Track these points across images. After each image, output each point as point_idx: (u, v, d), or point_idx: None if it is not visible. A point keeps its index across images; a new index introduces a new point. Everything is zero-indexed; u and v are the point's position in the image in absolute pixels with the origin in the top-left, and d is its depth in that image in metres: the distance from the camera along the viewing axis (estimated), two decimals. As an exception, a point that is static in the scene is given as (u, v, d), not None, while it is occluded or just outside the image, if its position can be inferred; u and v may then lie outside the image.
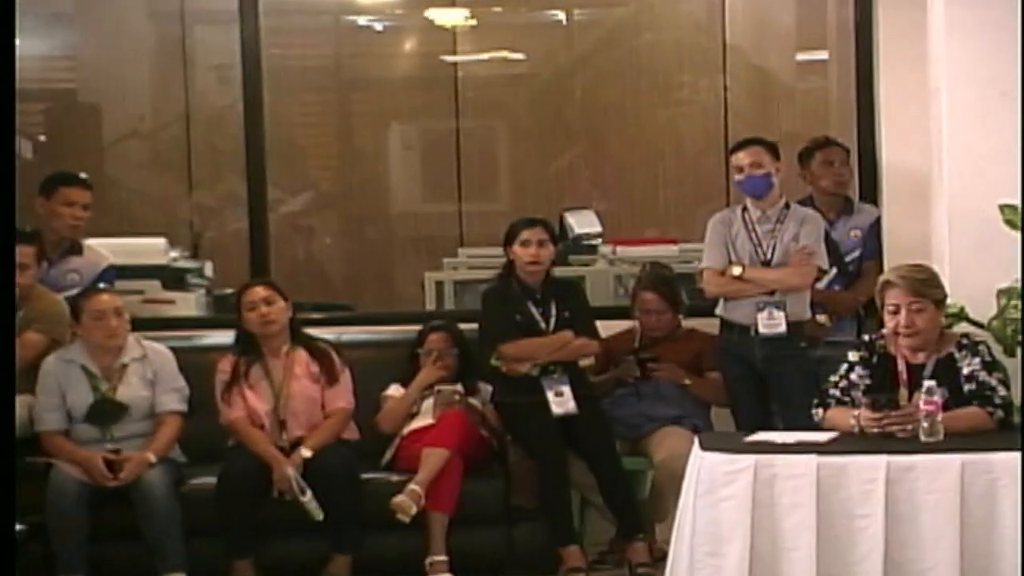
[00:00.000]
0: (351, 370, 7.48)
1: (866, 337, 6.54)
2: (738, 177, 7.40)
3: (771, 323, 7.23)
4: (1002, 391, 6.19)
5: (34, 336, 7.39)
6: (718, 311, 7.46)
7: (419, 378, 7.64)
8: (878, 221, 7.86)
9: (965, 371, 6.21)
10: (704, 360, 7.80)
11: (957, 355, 6.26)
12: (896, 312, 6.25)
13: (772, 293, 7.27)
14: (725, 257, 7.37)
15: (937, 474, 5.64)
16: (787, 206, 7.41)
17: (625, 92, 11.33)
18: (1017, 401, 6.34)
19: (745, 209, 7.42)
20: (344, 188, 11.66)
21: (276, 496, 7.10)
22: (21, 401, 7.30)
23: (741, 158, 7.38)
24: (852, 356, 6.37)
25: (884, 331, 6.33)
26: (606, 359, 7.82)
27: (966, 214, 6.87)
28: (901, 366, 6.28)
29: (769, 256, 7.34)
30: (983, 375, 6.20)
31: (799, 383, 7.00)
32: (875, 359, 6.33)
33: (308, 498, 7.07)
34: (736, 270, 7.31)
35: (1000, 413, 6.16)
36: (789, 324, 7.25)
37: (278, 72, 9.36)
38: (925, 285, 6.28)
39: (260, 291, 7.46)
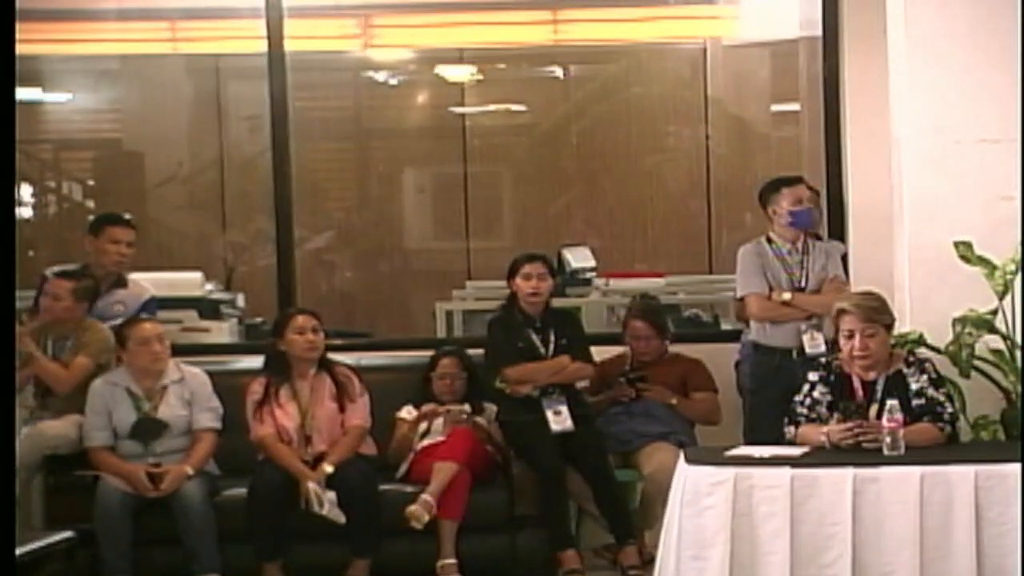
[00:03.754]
0: (370, 391, 7.49)
1: (823, 360, 6.55)
2: (795, 209, 7.26)
3: (814, 344, 7.10)
4: (949, 407, 6.23)
5: (84, 360, 7.42)
6: (752, 336, 7.34)
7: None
8: (844, 256, 7.85)
9: (914, 387, 6.24)
10: (689, 381, 7.80)
11: (906, 371, 6.29)
12: (851, 337, 6.27)
13: (810, 317, 7.20)
14: (765, 284, 7.30)
15: (899, 485, 5.65)
16: (806, 239, 7.37)
17: (617, 140, 11.35)
18: (963, 415, 6.39)
19: (771, 242, 7.36)
20: (363, 227, 11.66)
21: (303, 508, 7.11)
22: (71, 420, 7.36)
23: (801, 191, 7.30)
24: (812, 376, 6.38)
25: (841, 354, 6.35)
26: (600, 381, 7.83)
27: (924, 250, 6.87)
28: (856, 383, 6.30)
29: (803, 284, 7.27)
30: (931, 391, 6.23)
31: None
32: (832, 378, 6.34)
33: (326, 510, 7.07)
34: (786, 296, 7.24)
35: (949, 428, 6.19)
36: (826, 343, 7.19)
37: (303, 122, 9.38)
38: (877, 312, 6.31)
39: (311, 320, 7.46)
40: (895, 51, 7.08)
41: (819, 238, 7.91)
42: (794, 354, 7.18)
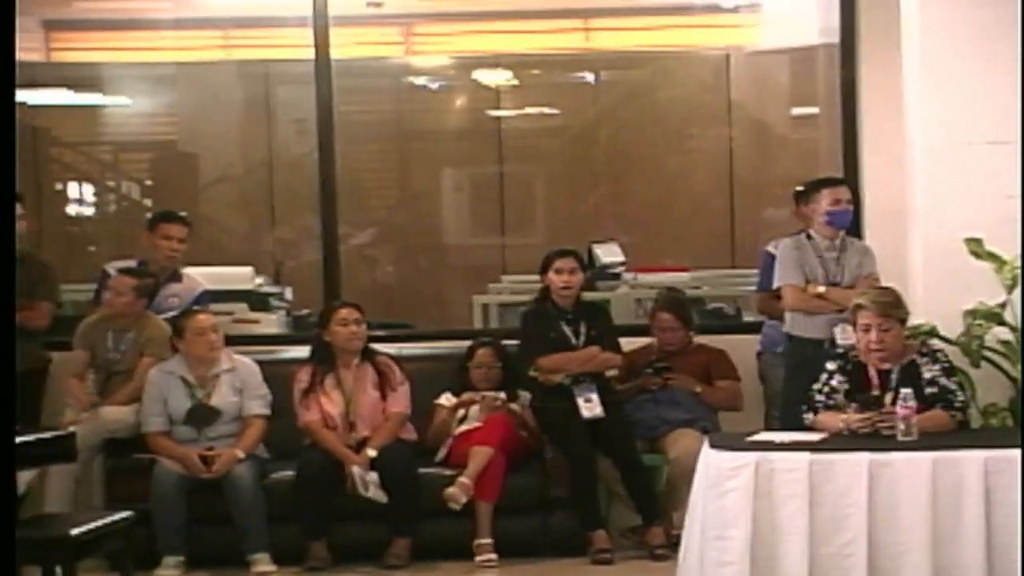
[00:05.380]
0: (410, 380, 7.50)
1: (840, 349, 6.51)
2: (833, 209, 7.05)
3: (845, 336, 6.99)
4: (960, 395, 6.20)
5: (148, 360, 7.43)
6: (786, 328, 7.19)
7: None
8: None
9: (927, 376, 6.20)
10: (713, 370, 7.79)
11: (919, 361, 6.25)
12: (868, 331, 6.23)
13: (842, 311, 7.07)
14: (803, 277, 7.11)
15: (912, 469, 5.61)
16: (844, 238, 7.20)
17: (644, 141, 11.33)
18: (973, 403, 6.37)
19: (810, 238, 7.17)
20: (404, 224, 11.67)
21: (348, 490, 7.12)
22: (130, 406, 7.39)
23: (840, 192, 7.11)
24: (830, 366, 6.35)
25: (858, 345, 6.32)
26: (628, 370, 7.81)
27: (936, 246, 6.87)
28: (872, 373, 6.26)
29: (839, 279, 7.09)
30: (943, 380, 6.19)
31: None
32: (850, 367, 6.31)
33: (371, 492, 7.08)
34: (820, 289, 7.03)
35: (960, 415, 6.16)
36: None
37: (348, 125, 9.37)
38: (892, 307, 6.27)
39: (354, 312, 7.48)
40: (909, 58, 7.07)
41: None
42: (825, 345, 7.11)
